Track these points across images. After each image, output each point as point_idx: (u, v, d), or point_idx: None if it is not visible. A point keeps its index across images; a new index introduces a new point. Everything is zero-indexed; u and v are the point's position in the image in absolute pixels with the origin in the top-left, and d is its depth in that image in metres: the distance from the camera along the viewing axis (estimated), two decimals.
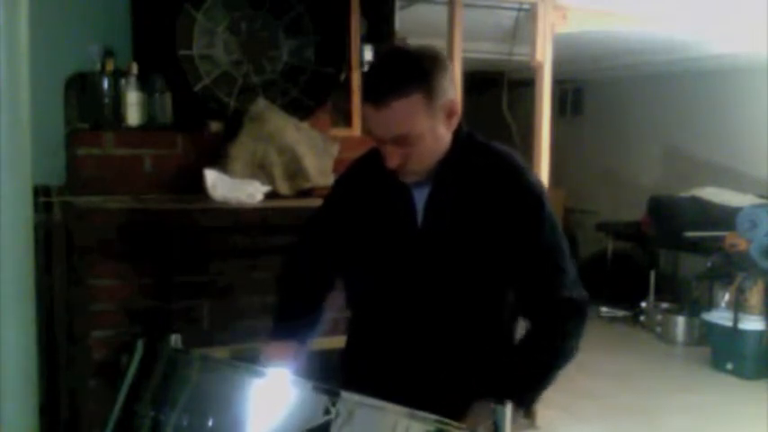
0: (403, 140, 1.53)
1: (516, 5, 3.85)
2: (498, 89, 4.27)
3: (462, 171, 1.63)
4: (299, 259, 1.87)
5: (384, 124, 1.53)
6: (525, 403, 1.61)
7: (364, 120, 1.62)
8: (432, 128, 1.54)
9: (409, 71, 1.52)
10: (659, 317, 5.76)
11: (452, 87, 1.58)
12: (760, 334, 4.74)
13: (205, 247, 2.77)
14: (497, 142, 1.72)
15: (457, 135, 1.62)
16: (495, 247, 1.61)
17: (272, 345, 1.73)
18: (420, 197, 1.64)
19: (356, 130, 3.37)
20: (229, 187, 2.83)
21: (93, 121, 2.85)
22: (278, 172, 2.97)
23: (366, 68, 3.38)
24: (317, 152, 3.06)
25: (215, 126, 3.04)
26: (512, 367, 1.62)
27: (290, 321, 1.76)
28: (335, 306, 1.86)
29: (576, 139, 7.26)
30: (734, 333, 4.78)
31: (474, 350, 1.63)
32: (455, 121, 1.60)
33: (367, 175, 1.72)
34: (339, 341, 1.90)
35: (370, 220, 1.70)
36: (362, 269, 1.74)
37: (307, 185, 3.00)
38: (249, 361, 1.67)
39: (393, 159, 1.56)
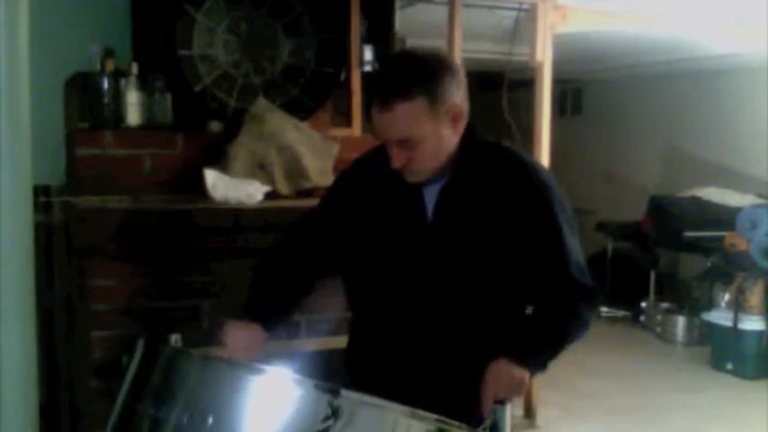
0: (406, 143, 1.55)
1: (516, 5, 3.85)
2: (498, 89, 4.27)
3: (472, 170, 1.64)
4: (283, 252, 1.82)
5: (388, 127, 1.55)
6: (535, 367, 1.60)
7: (370, 120, 1.62)
8: (435, 131, 1.55)
9: (414, 75, 1.53)
10: (659, 317, 5.76)
11: (460, 92, 1.58)
12: (760, 334, 4.74)
13: (205, 247, 2.77)
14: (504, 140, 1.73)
15: (468, 136, 1.63)
16: (505, 241, 1.62)
17: (235, 324, 1.66)
18: (430, 195, 1.65)
19: (356, 130, 3.37)
20: (229, 187, 2.83)
21: (93, 121, 2.85)
22: (278, 172, 2.96)
23: (366, 68, 3.39)
24: (316, 152, 3.06)
25: (215, 126, 3.04)
26: (524, 334, 1.64)
27: (257, 307, 1.70)
28: (338, 306, 1.85)
29: (576, 139, 7.25)
30: (734, 333, 4.78)
31: (484, 349, 1.63)
32: (462, 125, 1.61)
33: (375, 173, 1.71)
34: (339, 341, 1.89)
35: (378, 217, 1.70)
36: (370, 267, 1.73)
37: (307, 185, 3.00)
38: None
39: (397, 160, 1.58)
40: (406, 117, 1.52)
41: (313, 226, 1.82)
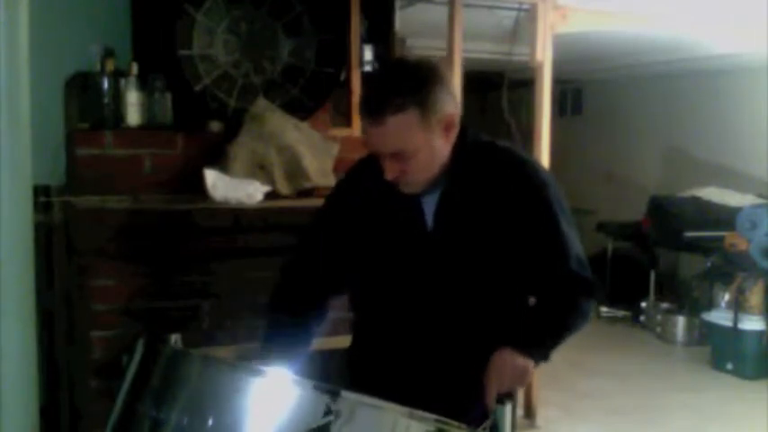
0: (400, 155, 1.54)
1: (516, 5, 3.85)
2: (498, 89, 4.27)
3: (468, 173, 1.63)
4: (295, 280, 1.79)
5: (380, 139, 1.54)
6: (538, 356, 1.59)
7: (362, 132, 1.61)
8: (428, 142, 1.55)
9: (404, 87, 1.51)
10: (659, 317, 5.76)
11: (451, 100, 1.57)
12: (760, 334, 4.74)
13: (205, 247, 2.77)
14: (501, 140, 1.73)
15: (461, 141, 1.63)
16: (505, 241, 1.62)
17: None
18: (428, 202, 1.65)
19: (356, 130, 3.37)
20: (229, 187, 2.83)
21: (93, 121, 2.85)
22: (278, 172, 2.97)
23: (366, 68, 3.39)
24: (316, 152, 3.06)
25: (215, 126, 3.04)
26: (525, 325, 1.65)
27: (279, 347, 1.68)
28: (337, 307, 1.86)
29: (576, 139, 7.26)
30: (734, 333, 4.78)
31: (486, 351, 1.63)
32: (454, 134, 1.60)
33: (371, 180, 1.70)
34: (339, 341, 1.89)
35: (378, 224, 1.70)
36: (371, 274, 1.73)
37: (307, 185, 3.00)
38: (249, 361, 1.66)
39: (391, 172, 1.57)
40: (399, 129, 1.50)
41: (317, 247, 1.79)
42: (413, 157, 1.54)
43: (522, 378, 1.53)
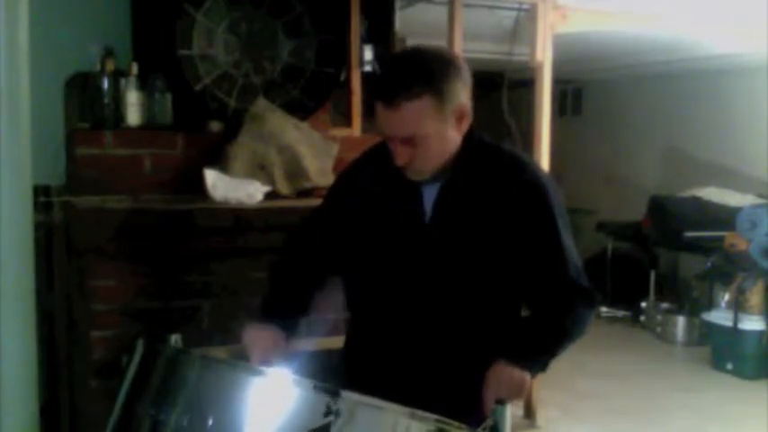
0: (410, 140, 1.55)
1: (516, 5, 3.85)
2: (498, 89, 4.27)
3: (471, 170, 1.64)
4: (294, 252, 1.84)
5: (393, 124, 1.54)
6: (536, 368, 1.59)
7: (374, 116, 1.62)
8: (440, 130, 1.56)
9: (421, 74, 1.53)
10: (659, 317, 5.76)
11: (465, 91, 1.59)
12: (760, 334, 4.73)
13: (205, 247, 2.77)
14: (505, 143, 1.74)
15: (469, 137, 1.64)
16: (503, 241, 1.62)
17: (255, 326, 1.67)
18: (429, 195, 1.66)
19: (356, 130, 3.38)
20: (229, 187, 2.83)
21: (93, 121, 2.85)
22: (278, 172, 2.97)
23: (366, 68, 3.39)
24: (316, 152, 3.06)
25: (215, 126, 3.04)
26: (523, 335, 1.64)
27: (276, 308, 1.72)
28: (335, 307, 1.86)
29: (576, 139, 7.25)
30: (734, 333, 4.78)
31: (482, 348, 1.63)
32: (466, 125, 1.62)
33: (373, 172, 1.72)
34: (338, 341, 1.90)
35: (377, 215, 1.71)
36: (368, 266, 1.73)
37: (307, 185, 3.01)
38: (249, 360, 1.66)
39: (401, 157, 1.58)
40: (413, 116, 1.52)
41: (317, 226, 1.84)
42: (423, 143, 1.55)
43: (520, 390, 1.53)
